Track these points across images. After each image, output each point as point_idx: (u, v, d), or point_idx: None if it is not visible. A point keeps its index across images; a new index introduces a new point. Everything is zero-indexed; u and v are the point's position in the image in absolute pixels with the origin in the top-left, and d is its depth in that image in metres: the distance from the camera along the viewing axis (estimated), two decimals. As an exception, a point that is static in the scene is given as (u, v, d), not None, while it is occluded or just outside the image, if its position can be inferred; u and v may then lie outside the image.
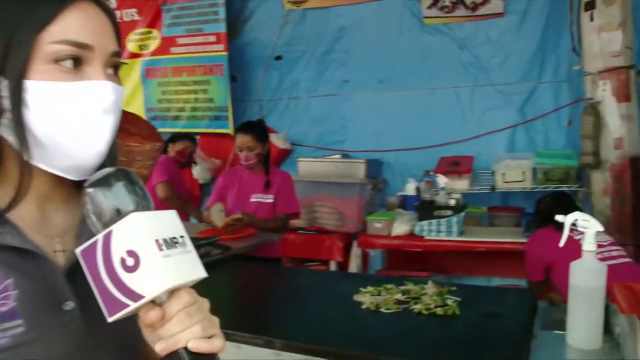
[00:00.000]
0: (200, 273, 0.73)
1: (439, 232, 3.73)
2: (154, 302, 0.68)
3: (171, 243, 0.70)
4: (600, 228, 1.72)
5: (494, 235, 3.75)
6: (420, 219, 3.82)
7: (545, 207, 3.12)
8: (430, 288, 2.18)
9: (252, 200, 3.52)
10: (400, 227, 3.86)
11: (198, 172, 5.24)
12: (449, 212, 3.73)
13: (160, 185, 4.18)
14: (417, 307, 1.97)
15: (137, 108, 5.45)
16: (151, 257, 0.66)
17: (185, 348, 0.68)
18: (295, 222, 4.34)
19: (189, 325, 0.69)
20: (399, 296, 2.11)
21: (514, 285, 4.06)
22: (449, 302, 2.04)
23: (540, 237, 3.09)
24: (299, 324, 1.85)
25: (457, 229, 3.70)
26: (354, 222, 4.23)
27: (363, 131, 4.90)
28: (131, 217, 0.68)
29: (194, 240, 2.40)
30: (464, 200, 3.91)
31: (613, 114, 3.48)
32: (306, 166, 4.56)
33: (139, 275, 0.66)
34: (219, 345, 0.71)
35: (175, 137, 4.50)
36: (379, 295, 2.13)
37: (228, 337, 1.80)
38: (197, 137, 5.39)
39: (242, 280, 2.54)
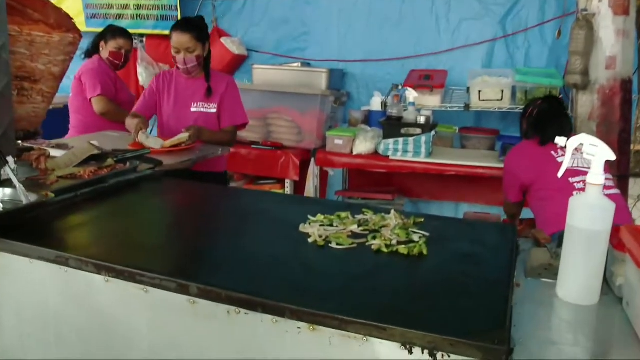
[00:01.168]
0: None
1: (406, 152, 3.36)
2: None
3: None
4: (612, 156, 1.36)
5: (465, 159, 3.40)
6: (386, 136, 3.43)
7: (536, 114, 2.80)
8: (392, 219, 1.82)
9: (193, 110, 3.11)
10: (363, 145, 3.48)
11: (144, 79, 4.70)
12: (417, 131, 3.35)
13: (95, 100, 3.62)
14: (375, 243, 1.61)
15: (73, 4, 4.80)
16: None
17: None
18: (248, 136, 3.94)
19: None
20: (354, 228, 1.74)
21: (483, 213, 3.79)
22: (415, 237, 1.68)
23: (524, 150, 2.80)
24: (225, 263, 1.46)
25: (425, 149, 3.34)
26: (312, 137, 3.83)
27: (326, 39, 4.43)
28: None
29: (119, 153, 1.96)
30: (435, 119, 3.53)
31: (608, 28, 3.08)
32: (262, 74, 4.09)
33: None
34: None
35: (106, 33, 3.84)
36: (330, 225, 1.76)
37: (133, 278, 1.44)
38: (143, 38, 4.84)
39: (168, 203, 2.12)
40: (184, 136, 2.79)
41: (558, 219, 2.54)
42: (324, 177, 4.00)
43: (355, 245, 1.61)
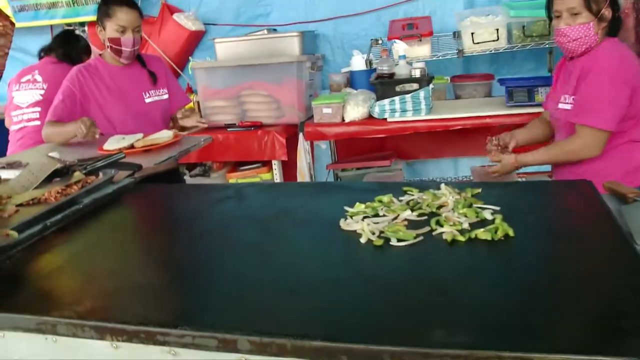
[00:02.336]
0: None
1: (405, 111, 3.00)
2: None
3: None
4: None
5: (468, 110, 3.04)
6: (380, 97, 3.06)
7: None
8: (447, 195, 1.48)
9: (148, 101, 2.81)
10: (355, 110, 3.10)
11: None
12: (414, 86, 2.99)
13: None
14: (446, 231, 1.26)
15: (-2, -5, 4.25)
16: None
17: None
18: (221, 119, 3.53)
19: None
20: (407, 214, 1.39)
21: (489, 165, 3.47)
22: (487, 215, 1.34)
23: (628, 51, 2.16)
24: (270, 296, 1.07)
25: (425, 105, 2.98)
26: (294, 110, 3.44)
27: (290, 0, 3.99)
28: None
29: (87, 162, 1.51)
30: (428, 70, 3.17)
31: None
32: (225, 49, 3.64)
33: None
34: None
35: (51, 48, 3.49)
36: (376, 215, 1.41)
37: (153, 339, 0.83)
38: (85, 27, 4.32)
39: (163, 219, 1.70)
40: (166, 135, 2.39)
41: None
42: (311, 151, 3.63)
43: (422, 238, 1.26)
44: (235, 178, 3.61)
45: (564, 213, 1.35)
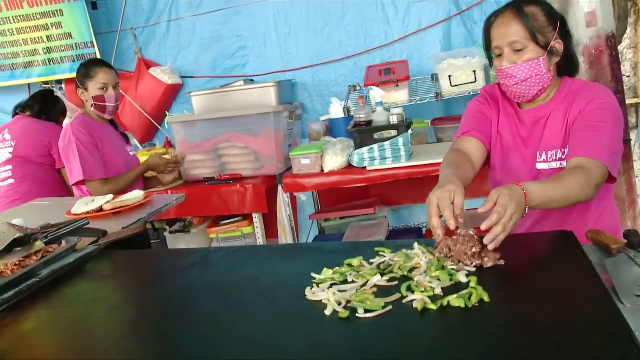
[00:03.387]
0: None
1: (384, 159, 2.94)
2: None
3: None
4: None
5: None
6: (358, 145, 3.01)
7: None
8: (420, 255, 1.40)
9: (132, 154, 2.92)
10: (334, 160, 3.04)
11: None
12: (392, 133, 2.94)
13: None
14: (417, 299, 1.17)
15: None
16: None
17: None
18: (200, 173, 3.46)
19: None
20: (377, 280, 1.31)
21: (472, 209, 3.40)
22: (462, 277, 1.26)
23: None
24: None
25: (405, 151, 2.92)
26: (273, 161, 3.38)
27: (266, 50, 3.99)
28: None
29: (49, 229, 1.39)
30: (406, 115, 3.13)
31: (579, -20, 2.76)
32: (202, 101, 3.61)
33: None
34: None
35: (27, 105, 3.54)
36: (344, 282, 1.32)
37: None
38: (62, 85, 4.28)
39: (127, 290, 1.61)
40: (136, 196, 2.32)
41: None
42: (292, 202, 3.56)
43: (390, 308, 1.17)
44: (215, 233, 3.52)
45: (544, 270, 1.27)
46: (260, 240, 3.40)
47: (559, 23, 1.71)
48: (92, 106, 2.90)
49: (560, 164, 1.74)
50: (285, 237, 3.23)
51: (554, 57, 1.73)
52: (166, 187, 3.31)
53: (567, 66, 1.79)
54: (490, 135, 1.92)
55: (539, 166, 1.79)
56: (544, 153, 1.78)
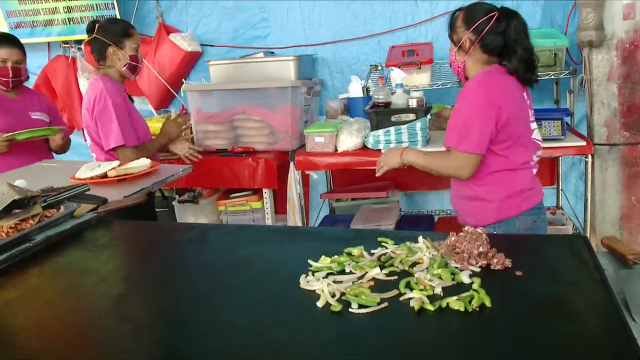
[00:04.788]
0: None
1: (400, 142, 2.85)
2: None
3: None
4: None
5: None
6: (375, 127, 2.92)
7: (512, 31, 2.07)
8: (424, 250, 1.33)
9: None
10: (348, 141, 2.96)
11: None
12: (410, 116, 2.85)
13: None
14: (415, 298, 1.11)
15: (-7, 13, 4.19)
16: None
17: None
18: (214, 143, 3.41)
19: None
20: (376, 273, 1.24)
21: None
22: (465, 278, 1.19)
23: (499, 76, 2.12)
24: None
25: (422, 136, 2.83)
26: (287, 137, 3.31)
27: (288, 22, 3.88)
28: None
29: (49, 194, 1.33)
30: (426, 99, 3.03)
31: (620, -31, 2.62)
32: (221, 71, 3.54)
33: None
34: None
35: None
36: (342, 272, 1.26)
37: None
38: (81, 45, 4.23)
39: (122, 261, 1.56)
40: (142, 164, 2.27)
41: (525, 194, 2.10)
42: (305, 179, 3.50)
43: (386, 305, 1.11)
44: (224, 206, 3.47)
45: (553, 277, 1.19)
46: (269, 216, 3.35)
47: (478, 23, 2.03)
48: (125, 66, 2.80)
49: None
50: (294, 214, 3.17)
51: (463, 50, 2.11)
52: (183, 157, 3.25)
53: (502, 56, 2.08)
54: None
55: None
56: None
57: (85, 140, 2.96)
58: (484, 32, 2.04)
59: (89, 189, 1.91)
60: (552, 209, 3.42)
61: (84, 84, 4.20)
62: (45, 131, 2.95)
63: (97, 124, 2.72)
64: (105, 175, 2.22)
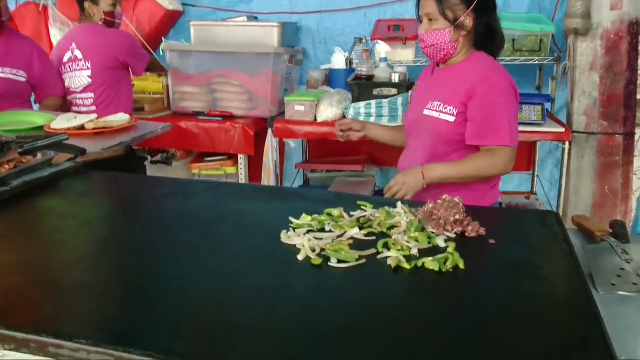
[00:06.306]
0: None
1: (380, 116, 2.88)
2: None
3: None
4: None
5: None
6: (356, 99, 2.94)
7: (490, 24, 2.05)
8: (402, 214, 1.36)
9: None
10: (328, 111, 2.97)
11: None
12: (392, 91, 2.88)
13: None
14: (392, 256, 1.15)
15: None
16: None
17: None
18: (190, 106, 3.39)
19: None
20: (355, 232, 1.27)
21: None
22: (440, 242, 1.23)
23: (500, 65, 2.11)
24: (184, 315, 0.96)
25: (403, 112, 2.86)
26: (266, 104, 3.30)
27: (274, -12, 3.84)
28: None
29: (26, 140, 1.32)
30: (410, 76, 3.06)
31: (610, -42, 2.66)
32: (202, 32, 3.49)
33: None
34: None
35: None
36: (322, 230, 1.28)
37: (44, 350, 0.66)
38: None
39: (98, 211, 1.54)
40: (121, 119, 2.25)
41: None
42: (281, 148, 3.50)
43: (364, 261, 1.14)
44: (198, 169, 3.46)
45: (524, 247, 1.23)
46: (243, 182, 3.36)
47: (477, 2, 1.92)
48: (100, 21, 2.85)
49: (439, 115, 1.99)
50: (268, 182, 3.18)
51: (462, 30, 1.96)
52: (153, 116, 3.23)
53: (485, 40, 2.01)
54: None
55: (425, 112, 2.04)
56: (433, 103, 2.02)
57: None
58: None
59: (67, 139, 1.89)
60: (526, 193, 3.50)
61: (55, 34, 4.07)
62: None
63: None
64: (82, 127, 2.20)
